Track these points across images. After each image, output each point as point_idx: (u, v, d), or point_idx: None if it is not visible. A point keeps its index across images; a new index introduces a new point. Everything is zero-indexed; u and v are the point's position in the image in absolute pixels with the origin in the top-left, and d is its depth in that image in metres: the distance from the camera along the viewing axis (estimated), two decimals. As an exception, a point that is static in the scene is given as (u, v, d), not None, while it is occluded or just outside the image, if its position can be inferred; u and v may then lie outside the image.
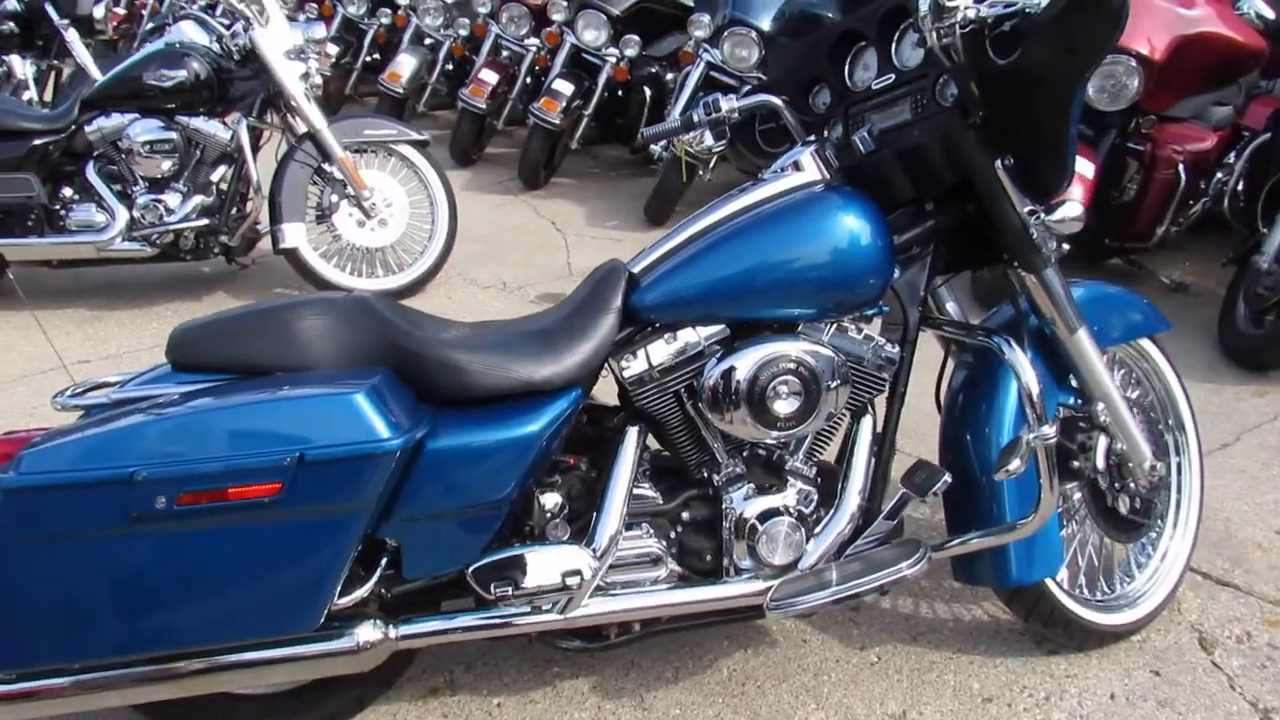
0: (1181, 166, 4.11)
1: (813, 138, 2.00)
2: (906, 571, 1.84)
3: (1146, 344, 2.23)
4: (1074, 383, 2.03)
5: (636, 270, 1.87)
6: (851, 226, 1.77)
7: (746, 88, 5.02)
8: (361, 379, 1.61)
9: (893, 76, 1.87)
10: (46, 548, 1.48)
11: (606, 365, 1.83)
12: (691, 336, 1.81)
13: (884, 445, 1.94)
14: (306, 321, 1.71)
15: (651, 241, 1.91)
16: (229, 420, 1.53)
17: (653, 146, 2.20)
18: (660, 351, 1.80)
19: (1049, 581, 2.00)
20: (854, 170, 1.90)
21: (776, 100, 2.08)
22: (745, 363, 1.76)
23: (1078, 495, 2.12)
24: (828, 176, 1.90)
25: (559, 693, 2.05)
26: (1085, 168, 3.89)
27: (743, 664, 2.12)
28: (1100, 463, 2.05)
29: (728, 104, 2.07)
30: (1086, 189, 3.88)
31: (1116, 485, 2.11)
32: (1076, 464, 2.03)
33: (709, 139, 2.16)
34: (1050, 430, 1.77)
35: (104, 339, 3.93)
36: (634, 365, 1.80)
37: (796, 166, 1.93)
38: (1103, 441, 2.04)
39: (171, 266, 4.44)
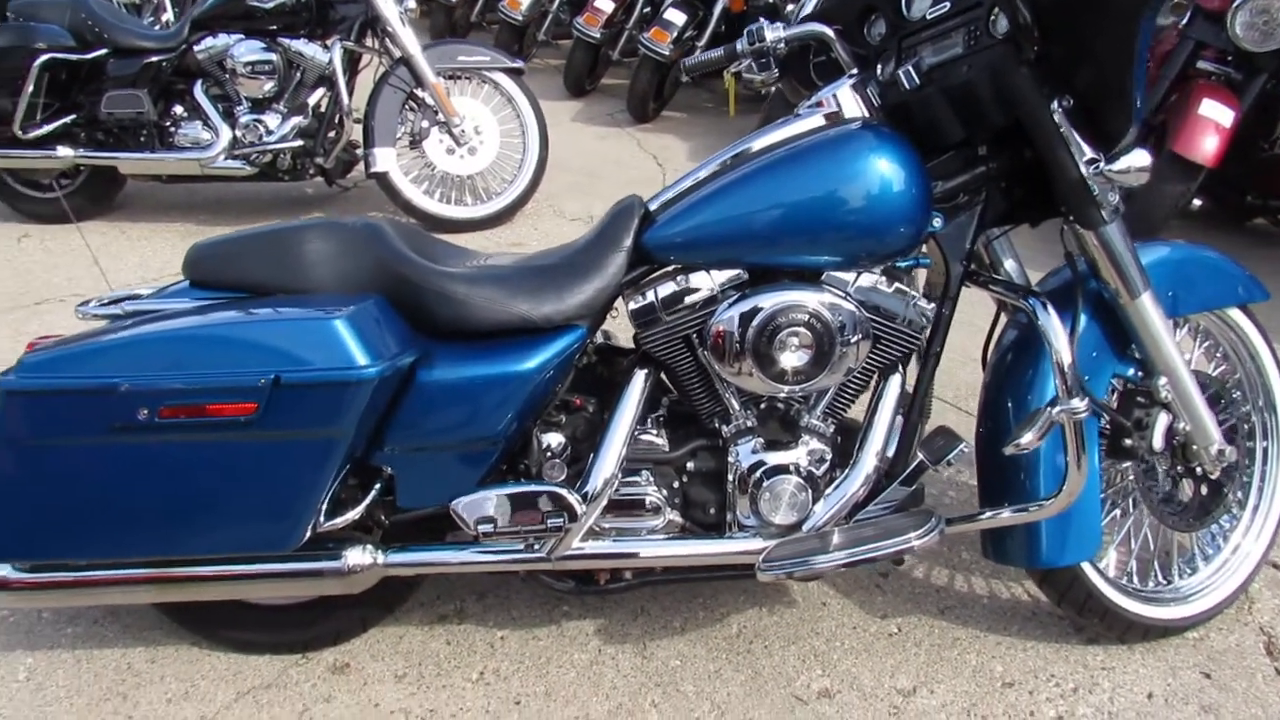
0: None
1: (856, 71, 1.85)
2: (914, 543, 1.72)
3: (1238, 315, 2.00)
4: (1137, 353, 1.84)
5: (654, 207, 1.78)
6: (881, 169, 1.63)
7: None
8: (347, 305, 1.59)
9: (948, 5, 1.70)
10: (44, 448, 1.54)
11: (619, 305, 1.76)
12: (704, 279, 1.72)
13: (914, 407, 1.81)
14: (309, 245, 1.71)
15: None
16: (213, 338, 1.55)
17: (754, 79, 2.07)
18: (668, 293, 1.71)
19: (1086, 566, 1.84)
20: (900, 108, 1.74)
21: (827, 30, 1.92)
22: (753, 310, 1.66)
23: (1131, 477, 1.94)
24: (866, 114, 1.76)
25: (563, 632, 2.03)
26: (1223, 115, 3.53)
27: (754, 621, 2.05)
28: (1159, 443, 1.85)
29: (773, 33, 1.93)
30: (1223, 139, 3.52)
31: (1179, 468, 1.92)
32: (1129, 442, 1.84)
33: (754, 70, 2.00)
34: (1080, 404, 1.60)
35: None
36: (641, 306, 1.73)
37: (836, 102, 1.79)
38: (1163, 419, 1.85)
39: (279, 187, 4.58)
